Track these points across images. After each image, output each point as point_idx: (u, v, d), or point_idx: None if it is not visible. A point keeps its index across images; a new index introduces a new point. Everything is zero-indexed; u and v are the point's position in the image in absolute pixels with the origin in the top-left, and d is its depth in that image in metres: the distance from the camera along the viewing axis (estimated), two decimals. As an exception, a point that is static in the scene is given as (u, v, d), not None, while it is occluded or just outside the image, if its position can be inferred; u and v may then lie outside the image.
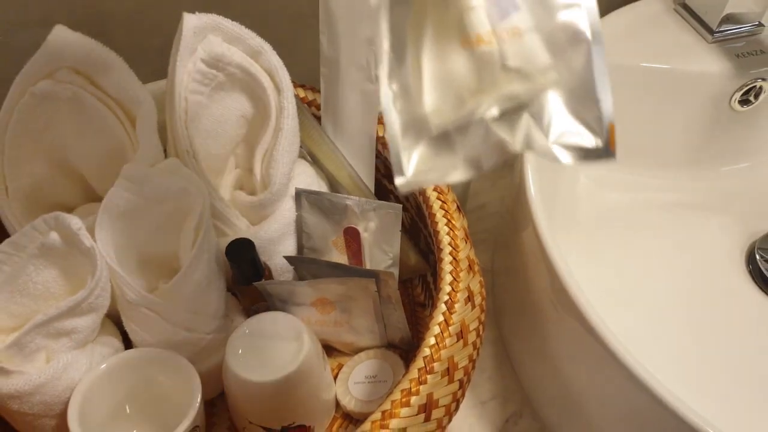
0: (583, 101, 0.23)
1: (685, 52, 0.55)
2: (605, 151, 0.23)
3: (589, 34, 0.23)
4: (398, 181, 0.23)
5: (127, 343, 0.44)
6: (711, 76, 0.54)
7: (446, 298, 0.39)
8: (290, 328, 0.42)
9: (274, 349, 0.42)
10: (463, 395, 0.39)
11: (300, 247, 0.48)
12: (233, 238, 0.45)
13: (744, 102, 0.56)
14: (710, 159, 0.59)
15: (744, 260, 0.56)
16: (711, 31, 0.55)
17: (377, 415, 0.35)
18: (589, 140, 0.23)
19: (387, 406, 0.35)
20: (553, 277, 0.41)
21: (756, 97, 0.55)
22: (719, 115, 0.56)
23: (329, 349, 0.50)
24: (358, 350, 0.49)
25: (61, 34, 0.40)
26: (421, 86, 0.24)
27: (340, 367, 0.49)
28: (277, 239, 0.46)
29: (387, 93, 0.23)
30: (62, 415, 0.39)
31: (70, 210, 0.47)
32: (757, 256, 0.55)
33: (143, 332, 0.42)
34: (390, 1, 0.23)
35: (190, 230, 0.42)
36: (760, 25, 0.55)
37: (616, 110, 0.60)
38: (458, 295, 0.39)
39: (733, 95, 0.55)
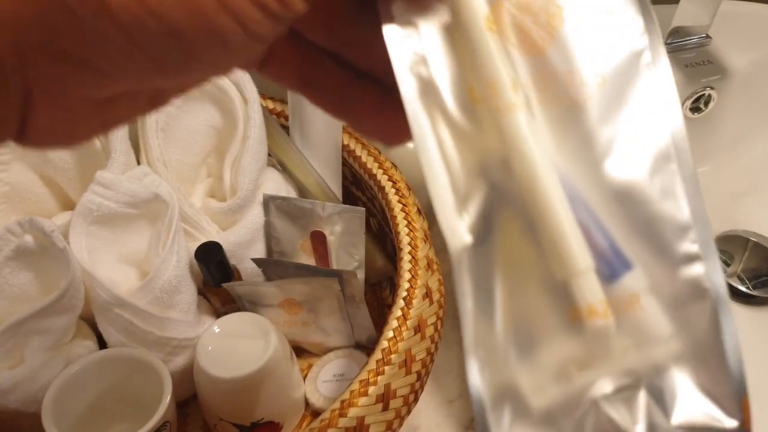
0: (712, 374, 0.20)
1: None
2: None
3: (714, 292, 0.20)
4: None
5: (103, 346, 0.46)
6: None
7: (404, 294, 0.41)
8: (258, 328, 0.44)
9: (243, 347, 0.43)
10: (422, 387, 0.41)
11: (269, 252, 0.50)
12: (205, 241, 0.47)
13: (695, 109, 0.58)
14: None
15: (699, 260, 0.58)
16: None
17: (336, 405, 0.36)
18: (721, 421, 0.19)
19: (346, 396, 0.37)
20: None
21: (706, 104, 0.58)
22: (672, 122, 0.59)
23: (300, 351, 0.52)
24: (327, 350, 0.50)
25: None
26: (514, 356, 0.20)
27: (310, 367, 0.50)
28: (246, 243, 0.48)
29: (473, 360, 0.19)
30: (37, 415, 0.41)
31: (48, 218, 0.49)
32: (712, 257, 0.57)
33: (117, 333, 0.44)
34: (471, 251, 0.19)
35: (160, 234, 0.44)
36: (708, 37, 0.58)
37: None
38: (416, 291, 0.41)
39: (683, 103, 0.58)
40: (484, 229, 0.20)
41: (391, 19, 0.19)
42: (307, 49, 0.21)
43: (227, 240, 0.47)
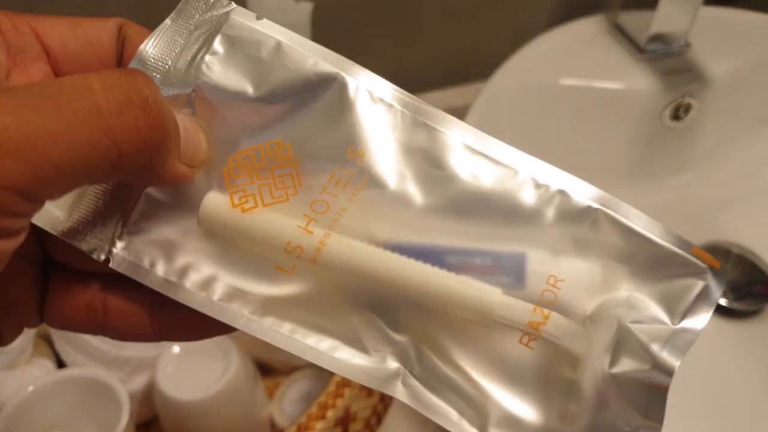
0: (656, 260, 0.21)
1: (615, 70, 0.56)
2: (714, 274, 0.20)
3: (594, 204, 0.21)
4: None
5: (63, 365, 0.44)
6: (641, 93, 0.56)
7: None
8: (219, 348, 0.43)
9: (203, 368, 0.42)
10: (385, 408, 0.40)
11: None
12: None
13: (675, 118, 0.57)
14: (649, 173, 0.61)
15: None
16: (640, 50, 0.57)
17: (293, 429, 0.35)
18: (695, 281, 0.20)
19: (303, 419, 0.35)
20: None
21: (686, 112, 0.57)
22: (653, 131, 0.58)
23: (266, 369, 0.50)
24: (293, 369, 0.49)
25: None
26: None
27: (278, 385, 0.49)
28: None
29: None
30: (-10, 438, 0.40)
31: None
32: (693, 268, 0.56)
33: (75, 352, 0.42)
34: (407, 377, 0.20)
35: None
36: (687, 44, 0.57)
37: (554, 130, 0.61)
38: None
39: (663, 111, 0.56)
40: (405, 348, 0.20)
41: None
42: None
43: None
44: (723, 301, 0.54)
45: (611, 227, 0.21)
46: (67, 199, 0.19)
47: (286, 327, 0.20)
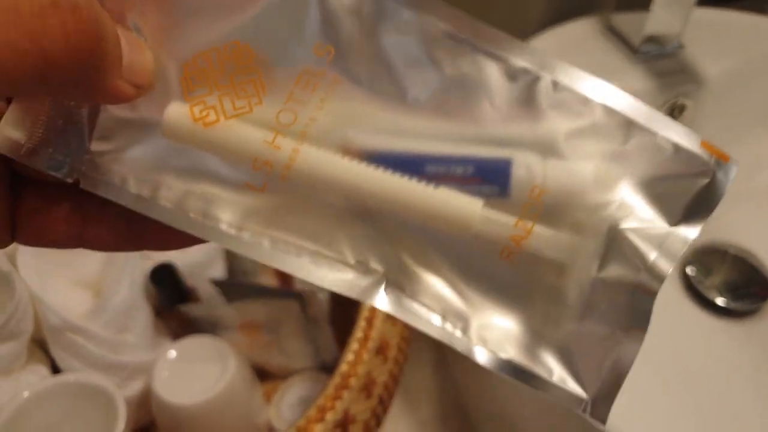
0: (663, 154, 0.19)
1: (609, 71, 0.57)
2: (719, 166, 0.19)
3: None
4: None
5: (58, 371, 0.44)
6: (635, 94, 0.55)
7: (366, 313, 0.39)
8: (216, 352, 0.42)
9: (200, 372, 0.42)
10: (385, 411, 0.39)
11: (230, 271, 0.49)
12: (160, 262, 0.45)
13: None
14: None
15: (677, 274, 0.57)
16: (634, 51, 0.57)
17: (292, 431, 0.35)
18: (702, 170, 0.19)
19: (302, 422, 0.35)
20: None
21: (680, 113, 0.57)
22: (647, 132, 0.58)
23: (266, 373, 0.50)
24: (291, 372, 0.49)
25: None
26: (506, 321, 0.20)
27: (275, 390, 0.49)
28: (204, 263, 0.47)
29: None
30: (-16, 445, 0.39)
31: None
32: (689, 270, 0.56)
33: (70, 357, 0.42)
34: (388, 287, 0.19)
35: (113, 255, 0.42)
36: (681, 45, 0.57)
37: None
38: (378, 311, 0.40)
39: (657, 112, 0.57)
40: (386, 258, 0.19)
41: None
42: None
43: (184, 260, 0.46)
44: (720, 301, 0.54)
45: (609, 119, 0.19)
46: (26, 120, 0.18)
47: (266, 241, 0.19)
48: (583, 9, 0.64)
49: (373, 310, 0.40)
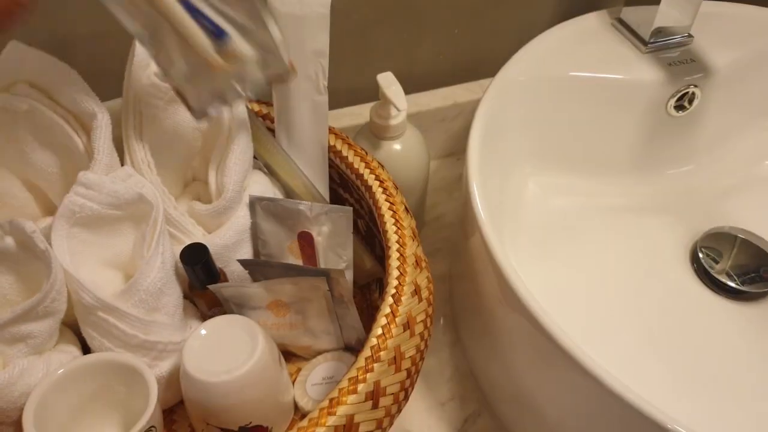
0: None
1: (621, 62, 0.58)
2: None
3: None
4: None
5: (87, 352, 0.45)
6: (646, 84, 0.57)
7: (393, 291, 0.40)
8: (245, 331, 0.43)
9: (229, 350, 0.43)
10: (412, 385, 0.40)
11: (256, 254, 0.50)
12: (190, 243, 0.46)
13: (679, 108, 0.59)
14: (654, 163, 0.62)
15: (689, 258, 0.58)
16: (644, 43, 0.58)
17: (325, 403, 0.36)
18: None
19: (335, 393, 0.36)
20: (500, 278, 0.43)
21: (690, 102, 0.59)
22: (657, 121, 0.59)
23: (289, 355, 0.51)
24: (316, 353, 0.50)
25: (16, 50, 0.42)
26: None
27: (299, 371, 0.50)
28: (232, 246, 0.47)
29: None
30: (18, 422, 0.40)
31: (30, 224, 0.48)
32: (700, 255, 0.57)
33: (101, 337, 0.43)
34: None
35: (145, 236, 0.43)
36: (690, 36, 0.59)
37: (561, 121, 0.62)
38: (405, 288, 0.41)
39: (668, 101, 0.58)
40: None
41: None
42: None
43: (213, 242, 0.47)
44: (732, 284, 0.55)
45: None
46: None
47: None
48: (591, 6, 0.66)
49: (400, 287, 0.41)
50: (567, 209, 0.61)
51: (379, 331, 0.38)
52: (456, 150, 0.73)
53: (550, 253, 0.58)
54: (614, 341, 0.52)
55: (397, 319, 0.39)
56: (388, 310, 0.40)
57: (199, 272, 0.44)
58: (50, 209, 0.49)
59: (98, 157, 0.43)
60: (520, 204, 0.60)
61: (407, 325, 0.40)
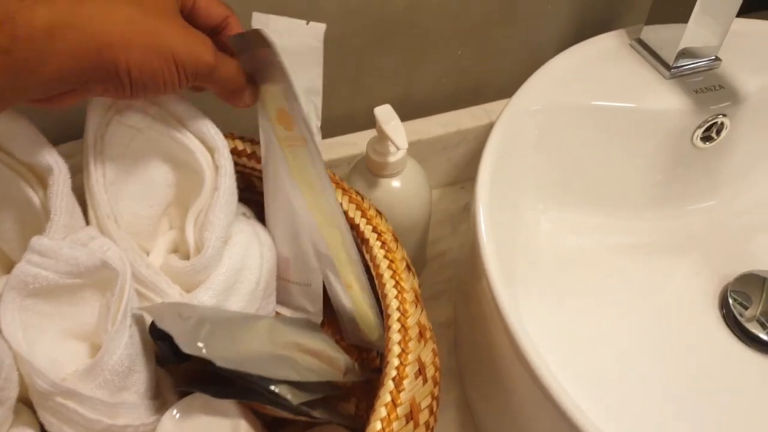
0: None
1: (642, 89, 0.53)
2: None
3: None
4: None
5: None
6: (670, 114, 0.52)
7: (394, 373, 0.35)
8: (224, 412, 0.38)
9: (208, 434, 0.38)
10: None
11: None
12: (164, 302, 0.41)
13: (706, 138, 0.54)
14: (675, 198, 0.57)
15: (716, 304, 0.53)
16: (668, 67, 0.53)
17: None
18: None
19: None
20: (508, 334, 0.38)
21: (718, 133, 0.53)
22: (681, 153, 0.54)
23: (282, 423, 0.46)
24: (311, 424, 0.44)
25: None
26: None
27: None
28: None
29: None
30: None
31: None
32: (730, 300, 0.52)
33: (60, 423, 0.37)
34: None
35: (110, 306, 0.38)
36: (717, 59, 0.54)
37: (577, 151, 0.57)
38: (407, 369, 0.35)
39: (694, 132, 0.53)
40: None
41: None
42: None
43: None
44: (762, 335, 0.50)
45: None
46: None
47: None
48: (602, 27, 0.60)
49: (401, 367, 0.35)
50: (582, 248, 0.56)
51: (378, 426, 0.33)
52: (459, 178, 0.68)
53: (564, 298, 0.53)
54: (635, 396, 0.47)
55: (398, 409, 0.34)
56: (388, 398, 0.34)
57: (171, 345, 0.39)
58: (10, 266, 0.44)
59: (55, 218, 0.38)
60: (532, 243, 0.55)
61: (410, 415, 0.34)
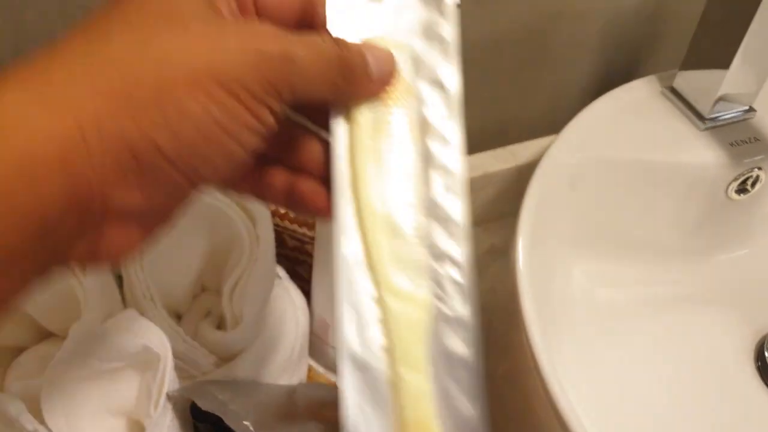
0: None
1: (677, 142, 0.52)
2: None
3: None
4: None
5: None
6: (706, 168, 0.51)
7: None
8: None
9: None
10: None
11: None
12: (200, 380, 0.40)
13: (741, 191, 0.53)
14: (706, 248, 0.56)
15: (752, 357, 0.53)
16: (702, 118, 0.52)
17: None
18: None
19: None
20: (549, 396, 0.39)
21: (753, 185, 0.53)
22: (715, 204, 0.53)
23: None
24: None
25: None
26: None
27: None
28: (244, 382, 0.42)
29: None
30: None
31: (20, 351, 0.42)
32: (766, 353, 0.52)
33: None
34: None
35: (150, 388, 0.37)
36: (752, 110, 0.53)
37: (610, 204, 0.56)
38: None
39: (729, 185, 0.52)
40: None
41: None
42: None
43: (227, 378, 0.41)
44: (802, 391, 0.50)
45: None
46: None
47: None
48: (630, 70, 0.60)
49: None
50: (614, 300, 0.55)
51: None
52: (482, 219, 0.67)
53: (596, 351, 0.52)
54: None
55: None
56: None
57: (214, 427, 0.39)
58: (41, 333, 0.43)
59: (92, 302, 0.37)
60: (566, 296, 0.54)
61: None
